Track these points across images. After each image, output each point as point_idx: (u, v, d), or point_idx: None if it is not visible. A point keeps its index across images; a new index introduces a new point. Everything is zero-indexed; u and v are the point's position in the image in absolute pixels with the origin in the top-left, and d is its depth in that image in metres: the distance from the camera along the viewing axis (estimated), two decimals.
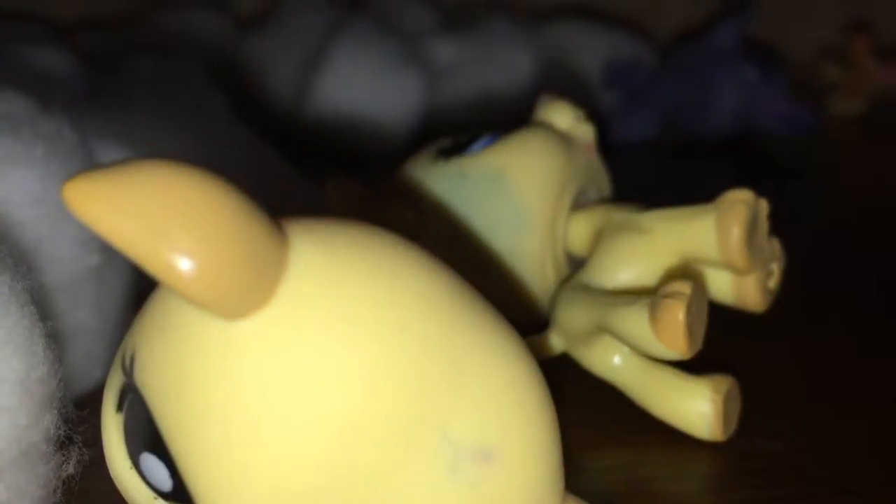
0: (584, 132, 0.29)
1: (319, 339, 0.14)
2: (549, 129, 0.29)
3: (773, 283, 0.25)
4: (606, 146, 0.57)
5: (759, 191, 0.25)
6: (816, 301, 0.34)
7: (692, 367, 0.23)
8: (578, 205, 0.28)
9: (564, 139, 0.28)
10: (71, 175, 0.22)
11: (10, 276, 0.17)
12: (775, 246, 0.25)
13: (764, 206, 0.24)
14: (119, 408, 0.16)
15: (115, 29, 0.58)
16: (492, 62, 0.58)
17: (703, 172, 0.55)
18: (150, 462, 0.15)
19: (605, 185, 0.30)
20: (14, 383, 0.16)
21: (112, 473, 0.16)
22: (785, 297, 0.34)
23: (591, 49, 0.60)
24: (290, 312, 0.14)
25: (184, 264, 0.13)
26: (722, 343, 0.23)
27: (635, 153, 0.57)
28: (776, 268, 0.25)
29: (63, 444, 0.18)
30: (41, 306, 0.17)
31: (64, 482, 0.18)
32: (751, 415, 0.24)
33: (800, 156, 0.58)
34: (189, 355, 0.14)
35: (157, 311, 0.15)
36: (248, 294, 0.14)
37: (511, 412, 0.15)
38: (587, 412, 0.24)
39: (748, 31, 0.56)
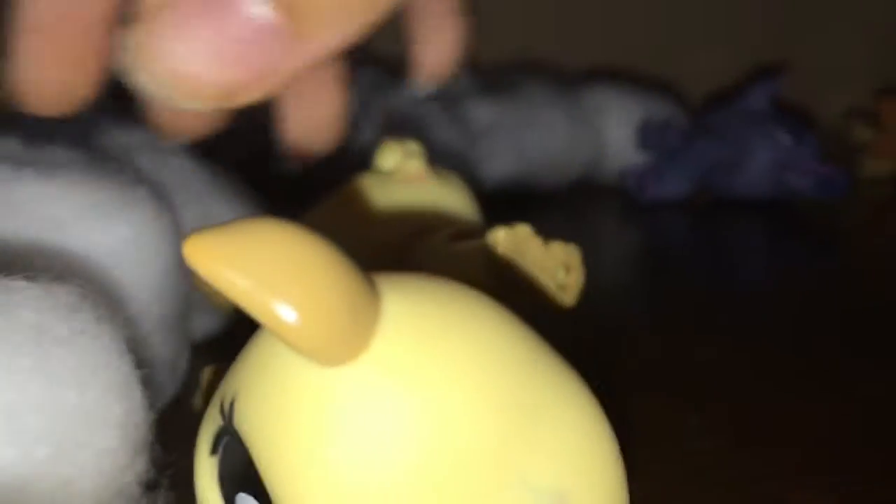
0: (411, 166, 0.30)
1: (409, 389, 0.15)
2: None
3: (571, 280, 0.26)
4: (639, 206, 0.59)
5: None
6: (851, 360, 0.34)
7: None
8: (454, 238, 0.28)
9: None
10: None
11: (111, 325, 0.18)
12: (556, 252, 0.26)
13: (522, 230, 0.25)
14: (214, 450, 0.17)
15: None
16: (528, 125, 0.59)
17: (735, 233, 0.56)
18: (247, 502, 0.16)
19: (456, 199, 0.30)
20: (116, 426, 0.17)
21: None
22: (823, 355, 0.35)
23: (624, 111, 0.62)
24: (383, 362, 0.15)
25: (290, 315, 0.14)
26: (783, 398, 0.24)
27: (668, 213, 0.58)
28: (568, 268, 0.26)
29: (151, 486, 0.19)
30: (135, 354, 0.18)
31: None
32: (803, 473, 0.25)
33: (831, 217, 0.59)
34: (289, 400, 0.15)
35: (258, 359, 0.16)
36: (347, 343, 0.15)
37: (585, 460, 0.16)
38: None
39: (779, 94, 0.57)
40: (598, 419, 0.17)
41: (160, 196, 0.26)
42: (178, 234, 0.29)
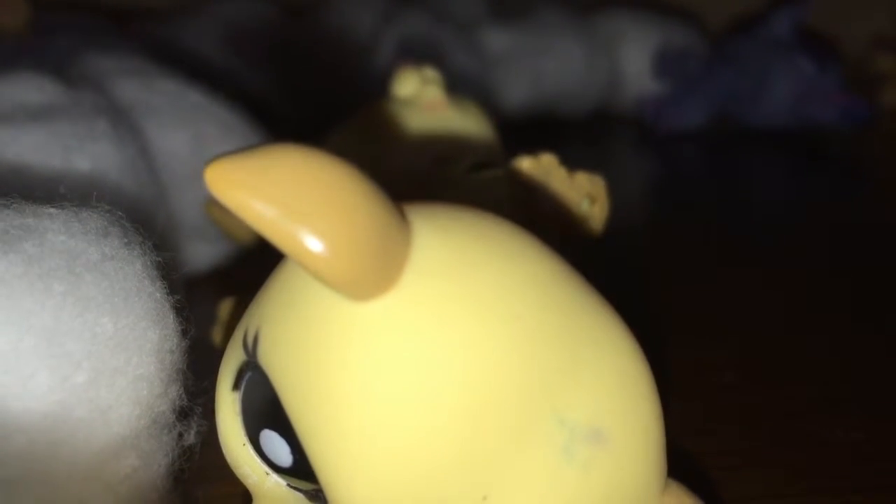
0: (430, 93, 0.28)
1: (441, 323, 0.14)
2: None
3: (596, 211, 0.25)
4: (656, 136, 0.58)
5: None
6: (877, 291, 0.34)
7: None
8: (475, 167, 0.27)
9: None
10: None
11: (141, 251, 0.17)
12: (581, 182, 0.25)
13: (547, 160, 0.25)
14: (236, 386, 0.16)
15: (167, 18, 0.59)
16: (543, 52, 0.58)
17: (755, 165, 0.55)
18: (271, 439, 0.16)
19: (476, 127, 0.29)
20: (150, 353, 0.17)
21: (224, 450, 0.17)
22: (848, 287, 0.34)
23: (641, 38, 0.60)
24: (414, 296, 0.14)
25: (318, 245, 0.13)
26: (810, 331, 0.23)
27: (686, 144, 0.57)
28: (593, 199, 0.25)
29: (184, 414, 0.18)
30: (168, 281, 0.18)
31: (184, 452, 0.18)
32: (831, 405, 0.24)
33: (852, 148, 0.57)
34: (317, 336, 0.14)
35: (283, 292, 0.15)
36: (377, 276, 0.14)
37: (621, 395, 0.16)
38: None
39: (804, 21, 0.56)
40: (635, 356, 0.16)
41: (124, 126, 0.25)
42: (146, 165, 0.29)
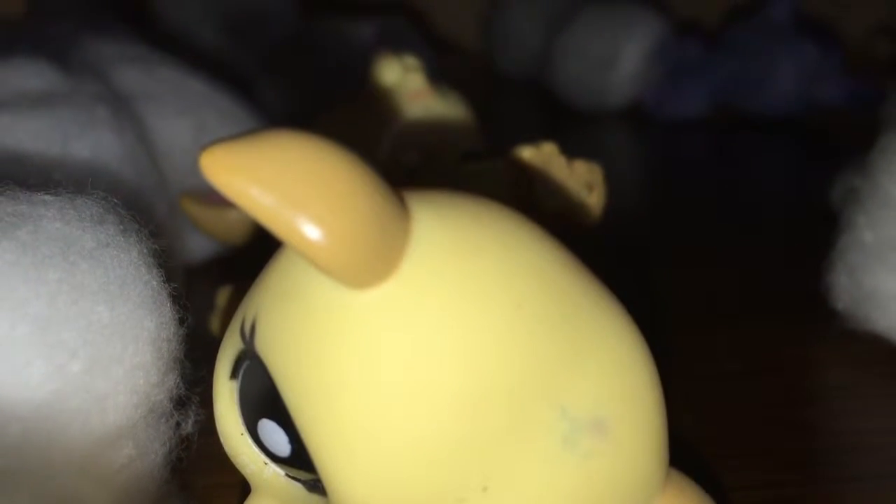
0: (412, 81, 0.28)
1: (442, 311, 0.14)
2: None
3: (594, 199, 0.25)
4: (655, 124, 0.57)
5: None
6: None
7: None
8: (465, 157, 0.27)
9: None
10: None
11: (137, 238, 0.17)
12: (580, 170, 0.25)
13: (548, 148, 0.25)
14: (234, 374, 0.16)
15: None
16: None
17: (756, 151, 0.55)
18: (269, 428, 0.15)
19: (459, 114, 0.29)
20: (147, 342, 0.16)
21: (222, 439, 0.17)
22: None
23: (642, 24, 0.59)
24: (414, 284, 0.14)
25: (316, 233, 0.13)
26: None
27: (687, 131, 0.57)
28: (591, 186, 0.25)
29: (181, 403, 0.18)
30: (165, 268, 0.18)
31: (182, 441, 0.18)
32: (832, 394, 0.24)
33: (857, 132, 0.57)
34: (315, 324, 0.14)
35: (281, 280, 0.15)
36: (376, 264, 0.14)
37: (623, 385, 0.16)
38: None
39: (800, 6, 0.56)
40: (638, 345, 0.16)
41: (124, 114, 0.25)
42: (147, 154, 0.29)
